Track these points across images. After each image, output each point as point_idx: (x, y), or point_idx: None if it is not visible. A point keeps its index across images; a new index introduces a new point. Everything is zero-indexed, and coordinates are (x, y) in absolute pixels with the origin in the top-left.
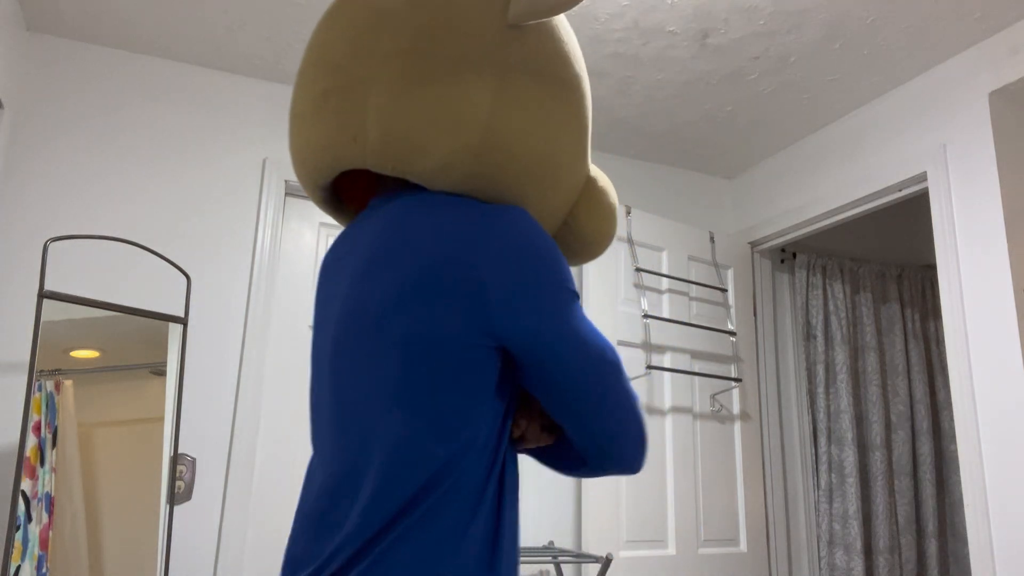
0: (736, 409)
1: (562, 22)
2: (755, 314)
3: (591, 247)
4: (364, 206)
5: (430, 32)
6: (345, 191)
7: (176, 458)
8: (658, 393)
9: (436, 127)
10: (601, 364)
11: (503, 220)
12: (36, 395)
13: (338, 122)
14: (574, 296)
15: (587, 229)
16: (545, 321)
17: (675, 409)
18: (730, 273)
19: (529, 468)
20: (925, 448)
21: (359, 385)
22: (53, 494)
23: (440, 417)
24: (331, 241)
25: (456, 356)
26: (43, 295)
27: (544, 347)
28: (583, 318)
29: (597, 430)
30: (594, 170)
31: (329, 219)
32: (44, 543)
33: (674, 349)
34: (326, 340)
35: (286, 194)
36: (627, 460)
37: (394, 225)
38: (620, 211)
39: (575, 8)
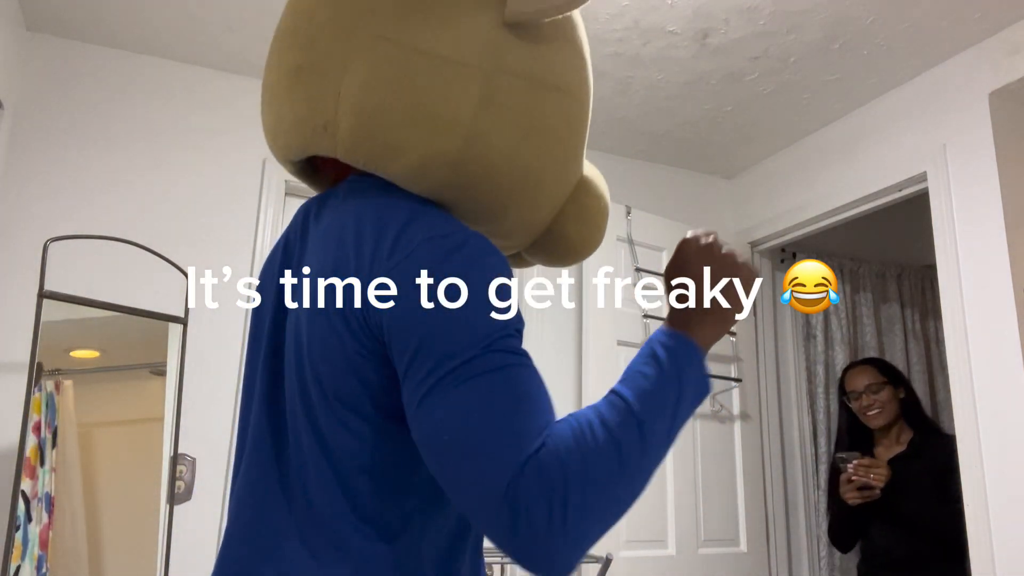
0: (736, 409)
1: (570, 21)
2: (755, 314)
3: (575, 254)
4: (342, 173)
5: (419, 19)
6: (321, 158)
7: (176, 458)
8: None
9: (412, 128)
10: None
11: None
12: (36, 395)
13: (309, 106)
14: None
15: (572, 235)
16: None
17: None
18: None
19: None
20: None
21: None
22: (53, 494)
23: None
24: None
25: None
26: (43, 295)
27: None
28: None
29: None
30: (588, 169)
31: None
32: (44, 543)
33: None
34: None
35: (286, 194)
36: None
37: (345, 233)
38: (621, 211)
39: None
